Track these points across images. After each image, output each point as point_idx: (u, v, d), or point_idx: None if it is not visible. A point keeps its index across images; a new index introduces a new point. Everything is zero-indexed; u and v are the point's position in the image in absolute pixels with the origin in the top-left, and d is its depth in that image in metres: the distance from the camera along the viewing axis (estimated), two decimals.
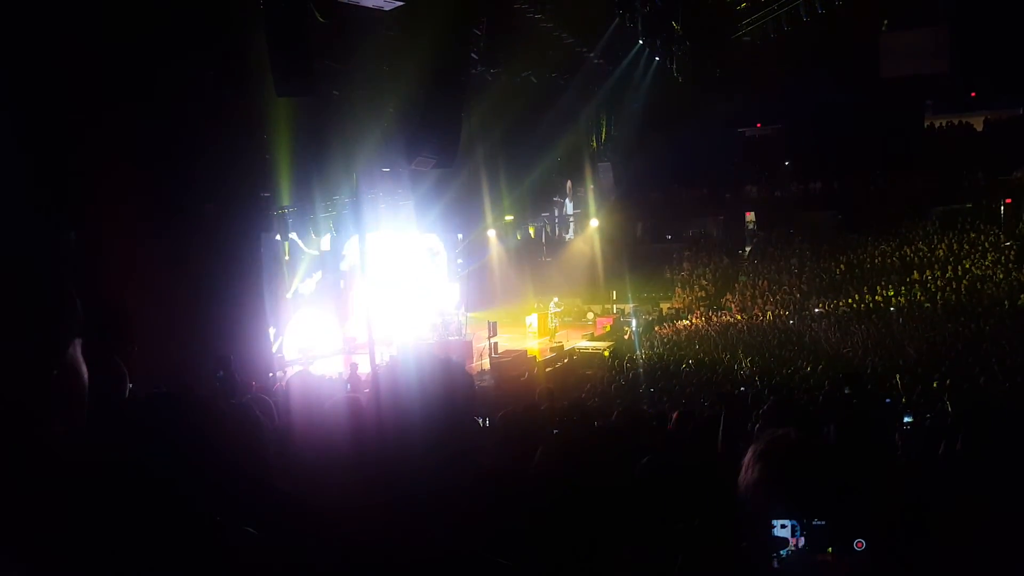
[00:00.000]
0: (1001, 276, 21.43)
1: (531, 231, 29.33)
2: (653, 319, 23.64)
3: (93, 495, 1.37)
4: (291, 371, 15.03)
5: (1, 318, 0.95)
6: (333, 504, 1.50)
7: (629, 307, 24.70)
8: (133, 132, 9.50)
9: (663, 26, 17.78)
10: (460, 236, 24.41)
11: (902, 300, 21.30)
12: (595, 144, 25.71)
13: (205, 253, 11.18)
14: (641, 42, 18.59)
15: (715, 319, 22.42)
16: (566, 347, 19.89)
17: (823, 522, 1.34)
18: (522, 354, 17.63)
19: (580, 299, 27.17)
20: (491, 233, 26.06)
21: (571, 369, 17.78)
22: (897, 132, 29.37)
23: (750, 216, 31.79)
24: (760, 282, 25.32)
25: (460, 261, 25.49)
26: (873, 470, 2.73)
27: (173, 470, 1.62)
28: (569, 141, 24.33)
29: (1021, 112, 31.24)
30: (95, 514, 1.38)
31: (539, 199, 28.34)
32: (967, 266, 22.60)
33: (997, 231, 24.51)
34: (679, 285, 27.39)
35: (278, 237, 17.30)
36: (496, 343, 18.78)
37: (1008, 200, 25.52)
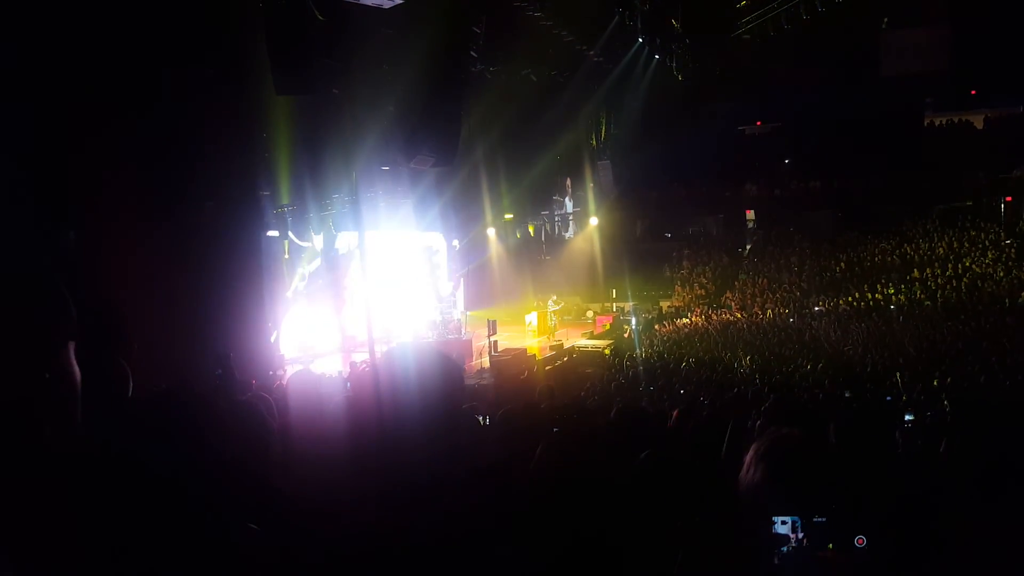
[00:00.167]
0: (1001, 274, 21.43)
1: (531, 229, 29.33)
2: (653, 317, 23.64)
3: (95, 492, 1.37)
4: (291, 369, 15.03)
5: None
6: (333, 500, 1.50)
7: (629, 305, 24.70)
8: (133, 131, 9.49)
9: (663, 24, 17.76)
10: (455, 242, 24.38)
11: (902, 298, 21.30)
12: (595, 142, 25.72)
13: (205, 251, 11.18)
14: (641, 40, 18.58)
15: (715, 317, 22.42)
16: (566, 345, 19.90)
17: (824, 519, 1.35)
18: (522, 352, 17.63)
19: (580, 297, 27.17)
20: (491, 231, 26.06)
21: (571, 367, 17.79)
22: (897, 130, 29.34)
23: (750, 214, 31.78)
24: (760, 280, 25.32)
25: (459, 259, 25.50)
26: (874, 468, 2.73)
27: (172, 467, 1.62)
28: (569, 139, 24.34)
29: (1021, 110, 31.22)
30: (97, 512, 1.38)
31: (539, 197, 28.35)
32: (967, 264, 22.60)
33: (997, 229, 24.51)
34: (679, 283, 27.40)
35: (277, 235, 17.29)
36: (496, 341, 18.78)
37: (1008, 198, 25.53)
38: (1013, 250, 22.89)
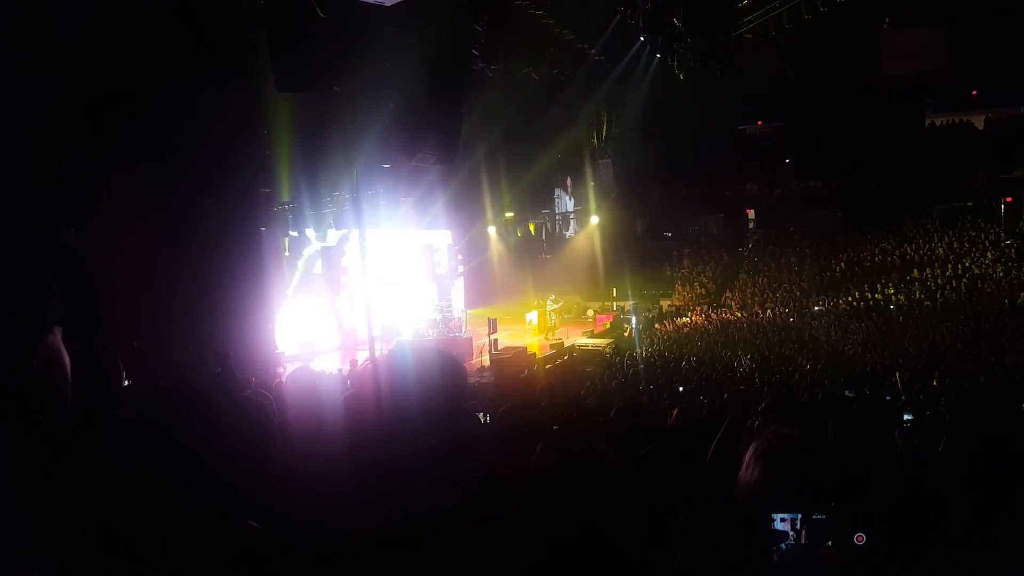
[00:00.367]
0: (1001, 274, 21.43)
1: (531, 228, 29.31)
2: (653, 316, 23.65)
3: (95, 489, 1.37)
4: (290, 367, 15.02)
5: None
6: (333, 497, 1.50)
7: (629, 304, 24.70)
8: (133, 128, 9.49)
9: (664, 23, 17.77)
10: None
11: (902, 298, 21.30)
12: (596, 141, 25.70)
13: (205, 249, 11.17)
14: (642, 39, 18.58)
15: (715, 317, 22.42)
16: (566, 344, 19.90)
17: (823, 516, 1.35)
18: (522, 351, 17.64)
19: (580, 296, 27.17)
20: (491, 230, 26.04)
21: (571, 366, 17.80)
22: (898, 130, 29.34)
23: (750, 214, 31.79)
24: (760, 280, 25.32)
25: (460, 257, 25.50)
26: (873, 467, 2.73)
27: (173, 465, 1.62)
28: (570, 138, 24.34)
29: (1022, 111, 31.22)
30: (97, 508, 1.38)
31: (539, 196, 28.35)
32: (967, 264, 22.60)
33: (997, 229, 24.51)
34: (679, 282, 27.40)
35: (277, 232, 17.29)
36: (496, 340, 18.79)
37: (1008, 198, 25.53)
38: (1013, 250, 22.89)
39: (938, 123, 32.02)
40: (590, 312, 25.75)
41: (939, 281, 21.81)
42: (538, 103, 20.15)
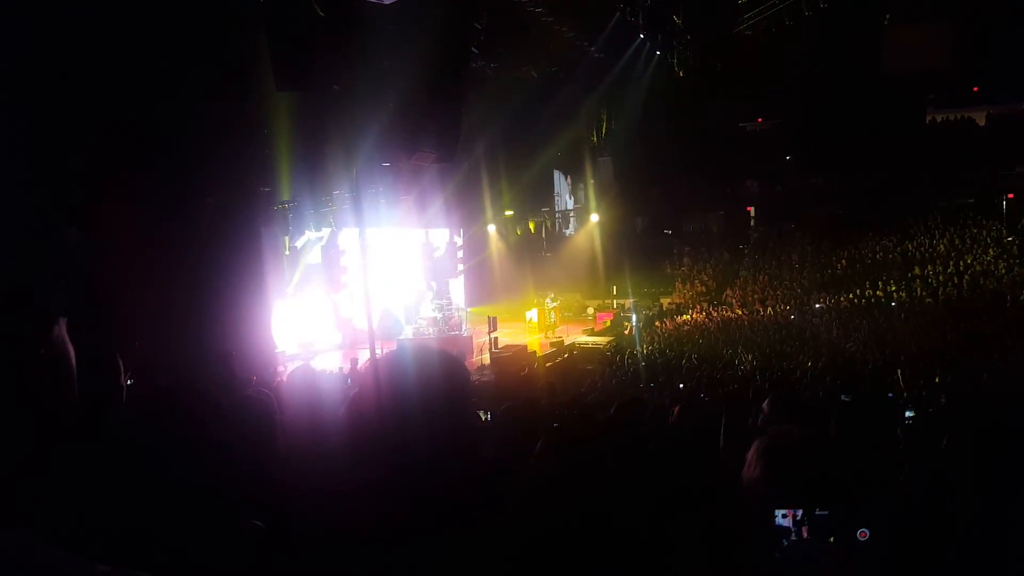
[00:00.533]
0: (1003, 271, 21.41)
1: (531, 226, 29.29)
2: (654, 314, 23.64)
3: (99, 485, 1.37)
4: (291, 366, 15.03)
5: None
6: (333, 495, 1.50)
7: (629, 302, 24.70)
8: (134, 128, 9.49)
9: (664, 20, 17.74)
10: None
11: (903, 295, 21.28)
12: (595, 139, 25.70)
13: (205, 248, 11.18)
14: (642, 36, 18.56)
15: (716, 314, 22.41)
16: (566, 342, 19.90)
17: (826, 512, 1.34)
18: (522, 349, 17.64)
19: (580, 294, 27.17)
20: (491, 228, 26.03)
21: (572, 364, 17.79)
22: (899, 127, 29.29)
23: (751, 211, 31.76)
24: (761, 277, 25.31)
25: (460, 256, 25.50)
26: (875, 463, 2.73)
27: (175, 464, 1.62)
28: (569, 136, 24.33)
29: (1023, 107, 31.16)
30: (99, 506, 1.38)
31: (539, 194, 28.32)
32: (969, 261, 22.58)
33: (999, 226, 24.49)
34: (679, 280, 27.38)
35: (277, 231, 17.28)
36: (496, 338, 18.79)
37: (1010, 195, 25.51)
38: (1015, 247, 22.87)
39: (939, 120, 31.98)
40: (590, 310, 25.74)
41: (941, 278, 21.80)
42: (538, 101, 20.14)
